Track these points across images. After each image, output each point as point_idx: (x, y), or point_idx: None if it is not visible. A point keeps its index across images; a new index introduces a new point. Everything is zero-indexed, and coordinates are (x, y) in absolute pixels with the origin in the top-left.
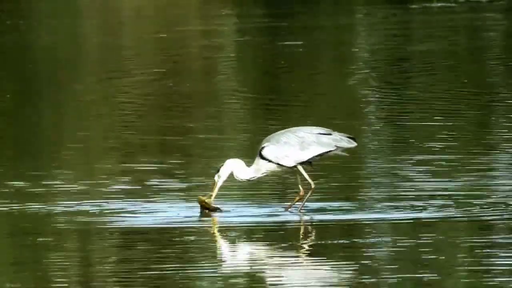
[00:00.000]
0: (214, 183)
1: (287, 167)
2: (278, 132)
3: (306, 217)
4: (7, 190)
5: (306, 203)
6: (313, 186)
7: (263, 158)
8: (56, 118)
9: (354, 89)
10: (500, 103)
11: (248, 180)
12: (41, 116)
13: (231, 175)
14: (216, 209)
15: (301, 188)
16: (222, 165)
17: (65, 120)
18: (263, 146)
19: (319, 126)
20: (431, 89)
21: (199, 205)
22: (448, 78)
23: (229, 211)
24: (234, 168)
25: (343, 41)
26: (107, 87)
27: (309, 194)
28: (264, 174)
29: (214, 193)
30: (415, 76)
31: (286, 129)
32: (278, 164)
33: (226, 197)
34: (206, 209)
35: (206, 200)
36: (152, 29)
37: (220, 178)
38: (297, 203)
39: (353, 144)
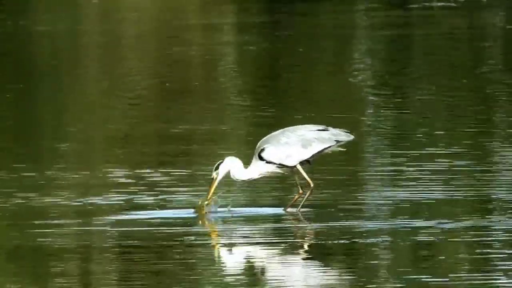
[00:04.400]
0: (212, 180)
1: (289, 167)
2: (275, 132)
3: (305, 217)
4: (7, 184)
5: (305, 203)
6: (312, 185)
7: (262, 159)
8: (55, 115)
9: (354, 89)
10: (501, 104)
11: (244, 181)
12: (40, 115)
13: (229, 173)
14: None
15: (300, 188)
16: (221, 162)
17: (65, 117)
18: (262, 148)
19: (318, 124)
20: (431, 90)
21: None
22: (448, 78)
23: (229, 209)
24: (232, 167)
25: (343, 40)
26: (106, 84)
27: (308, 193)
28: (262, 176)
29: (211, 190)
30: (415, 76)
31: (283, 129)
32: (280, 164)
33: (225, 197)
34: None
35: (202, 204)
36: (151, 25)
37: (219, 175)
38: (297, 201)
39: (351, 137)
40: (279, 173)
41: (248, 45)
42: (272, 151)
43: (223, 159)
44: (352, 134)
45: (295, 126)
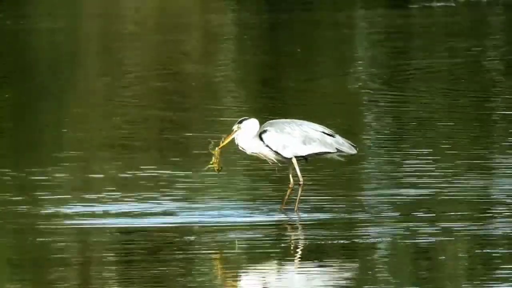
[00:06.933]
0: (232, 131)
1: (283, 157)
2: (283, 120)
3: (304, 218)
4: (7, 185)
5: (304, 203)
6: (301, 182)
7: (262, 140)
8: (55, 115)
9: (353, 89)
10: (500, 103)
11: (241, 148)
12: (40, 115)
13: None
14: (219, 165)
15: (291, 179)
16: (246, 119)
17: (64, 117)
18: (265, 129)
19: (328, 128)
20: (431, 90)
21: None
22: (449, 79)
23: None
24: (249, 130)
25: (343, 40)
26: (105, 84)
27: (299, 191)
28: (256, 155)
29: (227, 140)
30: (415, 76)
31: (291, 119)
32: (276, 152)
33: (224, 196)
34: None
35: (216, 150)
36: (150, 24)
37: (239, 130)
38: (291, 198)
39: (353, 151)
40: (275, 159)
41: (247, 44)
42: (272, 136)
43: (250, 116)
44: (356, 149)
45: (304, 121)
